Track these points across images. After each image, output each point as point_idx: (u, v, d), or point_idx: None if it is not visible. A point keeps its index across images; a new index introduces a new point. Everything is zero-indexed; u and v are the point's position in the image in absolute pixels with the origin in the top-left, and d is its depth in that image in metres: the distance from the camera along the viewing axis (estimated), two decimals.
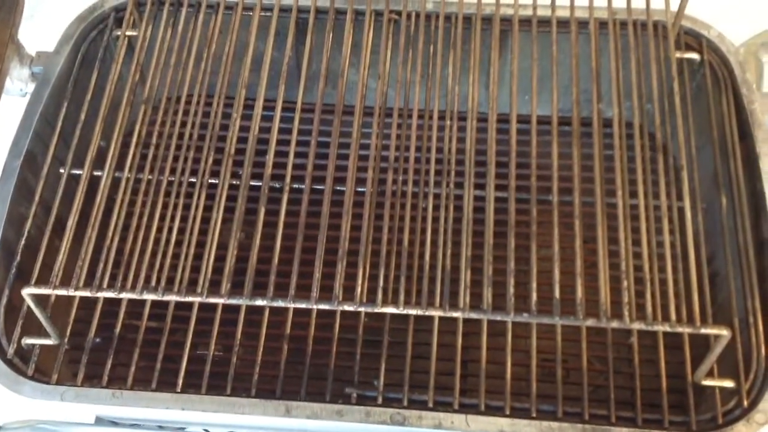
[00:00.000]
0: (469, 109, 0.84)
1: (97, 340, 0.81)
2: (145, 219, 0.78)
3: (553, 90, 0.82)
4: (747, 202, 0.83)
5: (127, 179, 0.80)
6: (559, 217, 0.75)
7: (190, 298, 0.70)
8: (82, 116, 0.90)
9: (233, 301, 0.70)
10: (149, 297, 0.70)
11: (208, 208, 0.79)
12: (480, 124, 0.83)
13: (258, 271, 0.73)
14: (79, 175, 0.81)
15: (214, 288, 0.71)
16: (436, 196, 0.81)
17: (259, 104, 0.84)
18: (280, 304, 0.70)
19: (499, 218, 0.76)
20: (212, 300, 0.70)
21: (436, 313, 0.70)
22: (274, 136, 0.81)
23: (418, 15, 0.91)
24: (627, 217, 0.76)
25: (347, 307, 0.69)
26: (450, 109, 0.86)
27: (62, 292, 0.70)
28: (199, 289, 0.71)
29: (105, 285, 0.71)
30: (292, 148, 0.81)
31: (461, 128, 0.85)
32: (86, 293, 0.70)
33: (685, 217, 0.77)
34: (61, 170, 0.88)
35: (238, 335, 0.82)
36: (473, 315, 0.69)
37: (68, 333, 0.81)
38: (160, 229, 0.78)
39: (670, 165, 0.84)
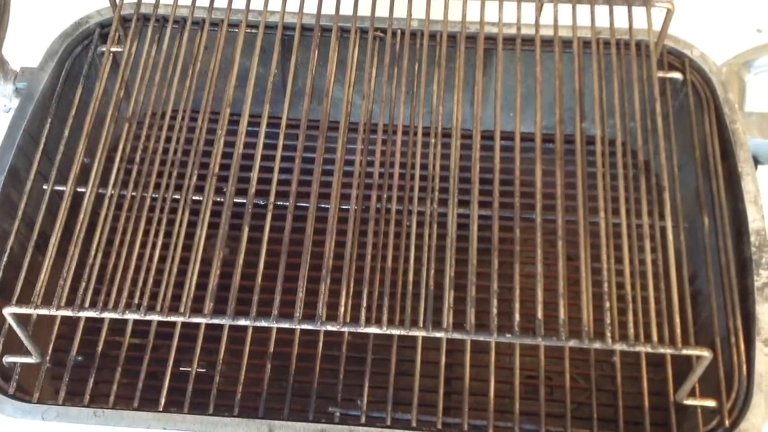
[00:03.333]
0: (453, 127, 0.84)
1: (80, 357, 0.81)
2: (128, 236, 0.78)
3: (537, 109, 0.82)
4: (729, 222, 0.84)
5: (111, 196, 0.79)
6: (543, 236, 0.76)
7: (172, 318, 0.70)
8: (66, 132, 0.90)
9: (216, 321, 0.70)
10: (132, 317, 0.70)
11: (192, 224, 0.79)
12: (464, 140, 0.84)
13: (242, 288, 0.73)
14: (63, 192, 0.81)
15: (197, 307, 0.71)
16: (420, 214, 0.81)
17: (244, 121, 0.84)
18: (263, 324, 0.70)
19: (482, 236, 0.76)
20: (195, 320, 0.70)
21: (420, 334, 0.70)
22: (259, 153, 0.81)
23: (403, 33, 0.92)
24: (609, 237, 0.77)
25: (330, 327, 0.69)
26: (434, 127, 0.86)
27: (44, 311, 0.69)
28: (182, 308, 0.71)
29: (87, 304, 0.71)
30: (277, 165, 0.81)
31: (445, 145, 0.85)
32: (68, 312, 0.70)
33: (667, 237, 0.78)
34: (45, 186, 0.87)
35: (221, 353, 0.82)
36: (456, 335, 0.69)
37: (50, 350, 0.81)
38: (143, 246, 0.78)
39: (653, 184, 0.84)
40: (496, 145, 0.81)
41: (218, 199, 0.81)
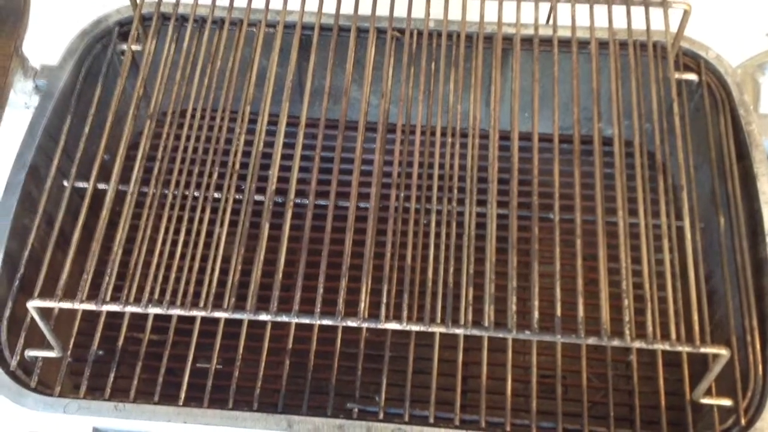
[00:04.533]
0: (470, 127, 0.85)
1: (100, 352, 0.81)
2: (149, 232, 0.79)
3: (555, 109, 0.83)
4: (745, 222, 0.84)
5: (132, 193, 0.80)
6: (560, 235, 0.76)
7: (194, 312, 0.71)
8: (86, 130, 0.90)
9: (237, 316, 0.70)
10: (154, 311, 0.71)
11: (212, 222, 0.80)
12: (481, 140, 0.84)
13: (262, 285, 0.73)
14: (82, 189, 0.81)
15: (217, 302, 0.72)
16: (438, 213, 0.82)
17: (263, 119, 0.85)
18: (283, 319, 0.71)
19: (500, 235, 0.76)
20: (216, 314, 0.71)
21: (439, 330, 0.70)
22: (278, 151, 0.82)
23: (420, 33, 0.92)
24: (627, 236, 0.77)
25: (350, 323, 0.70)
26: (452, 126, 0.87)
27: (67, 305, 0.70)
28: (202, 303, 0.72)
29: (109, 298, 0.71)
30: (296, 164, 0.81)
31: (463, 145, 0.86)
32: (91, 306, 0.70)
33: (684, 237, 0.78)
34: (65, 183, 0.88)
35: (240, 349, 0.82)
36: (475, 332, 0.70)
37: (71, 345, 0.81)
38: (163, 243, 0.79)
39: (669, 184, 0.85)
40: (514, 145, 0.82)
41: (238, 197, 0.82)
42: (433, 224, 0.80)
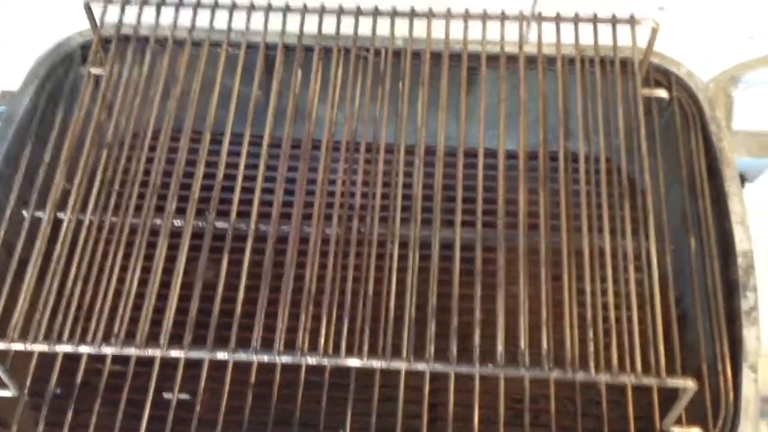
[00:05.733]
0: (437, 148, 0.83)
1: (58, 390, 0.80)
2: (108, 262, 0.77)
3: (521, 129, 0.82)
4: (716, 243, 0.83)
5: (90, 222, 0.79)
6: (527, 257, 0.75)
7: (150, 352, 0.69)
8: (46, 157, 0.89)
9: (194, 355, 0.69)
10: (108, 351, 0.69)
11: (173, 247, 0.78)
12: (448, 158, 0.83)
13: (223, 313, 0.72)
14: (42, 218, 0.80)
15: (178, 332, 0.70)
16: (403, 236, 0.80)
17: (225, 143, 0.83)
18: (242, 357, 0.69)
19: (465, 256, 0.75)
20: (173, 353, 0.69)
21: (401, 365, 0.69)
22: (240, 175, 0.81)
23: (386, 51, 0.91)
24: (595, 259, 0.76)
25: (310, 360, 0.69)
26: (418, 146, 0.86)
27: (19, 347, 0.69)
28: (161, 340, 0.70)
29: (65, 337, 0.70)
30: (258, 188, 0.80)
31: (429, 163, 0.84)
32: (43, 347, 0.69)
33: (651, 259, 0.77)
34: (24, 212, 0.86)
35: (203, 381, 0.81)
36: (439, 367, 0.69)
37: (29, 381, 0.80)
38: (123, 272, 0.77)
39: (638, 204, 0.83)
40: (479, 168, 0.81)
41: (200, 224, 0.80)
42: (396, 253, 0.78)
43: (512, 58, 0.89)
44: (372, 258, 0.78)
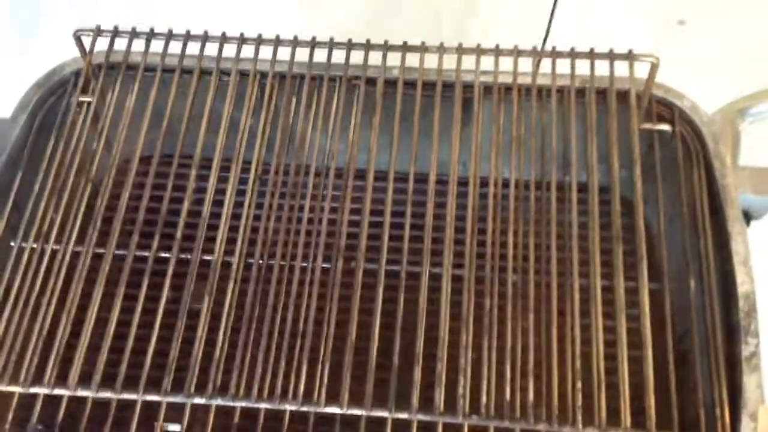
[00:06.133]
0: (430, 181, 0.82)
1: (39, 427, 0.78)
2: (91, 300, 0.75)
3: (512, 169, 0.80)
4: (717, 284, 0.80)
5: (72, 254, 0.77)
6: (514, 306, 0.73)
7: (125, 395, 0.68)
8: (36, 187, 0.87)
9: (171, 399, 0.67)
10: (86, 394, 0.68)
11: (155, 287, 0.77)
12: (439, 186, 0.81)
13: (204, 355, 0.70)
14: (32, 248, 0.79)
15: (154, 380, 0.69)
16: (393, 276, 0.78)
17: (214, 178, 0.82)
18: (219, 402, 0.67)
19: (454, 306, 0.73)
20: (149, 398, 0.67)
21: (382, 414, 0.67)
22: (227, 213, 0.79)
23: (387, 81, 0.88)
24: (591, 300, 0.74)
25: (289, 407, 0.67)
26: (411, 176, 0.83)
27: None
28: (140, 385, 0.69)
29: (50, 378, 0.68)
30: (243, 225, 0.79)
31: (419, 191, 0.82)
32: (16, 388, 0.67)
33: (644, 303, 0.74)
34: (12, 243, 0.85)
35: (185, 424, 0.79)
36: (422, 417, 0.67)
37: (10, 418, 0.78)
38: (104, 311, 0.75)
39: (639, 242, 0.81)
40: (469, 208, 0.79)
41: (184, 257, 0.79)
42: (380, 294, 0.76)
43: (510, 89, 0.87)
44: (357, 295, 0.76)
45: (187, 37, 0.87)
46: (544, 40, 1.35)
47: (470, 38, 0.88)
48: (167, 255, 0.78)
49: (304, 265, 0.77)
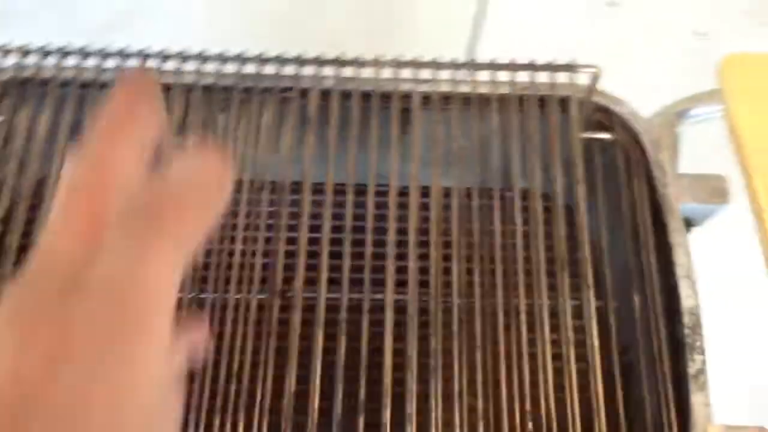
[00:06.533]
0: (367, 201, 0.78)
1: None
2: None
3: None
4: (660, 299, 0.79)
5: None
6: (460, 340, 0.71)
7: None
8: None
9: None
10: None
11: None
12: (378, 198, 0.79)
13: None
14: None
15: None
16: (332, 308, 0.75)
17: None
18: None
19: (398, 337, 0.70)
20: None
21: None
22: None
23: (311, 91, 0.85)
24: (537, 321, 0.72)
25: None
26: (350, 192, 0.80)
27: None
28: None
29: None
30: None
31: (359, 204, 0.79)
32: None
33: (585, 318, 0.73)
34: None
35: None
36: None
37: None
38: None
39: (578, 258, 0.79)
40: (410, 220, 0.76)
41: None
42: (321, 330, 0.72)
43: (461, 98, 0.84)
44: (296, 334, 0.73)
45: (105, 54, 0.81)
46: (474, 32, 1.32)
47: (394, 51, 0.85)
48: None
49: (238, 297, 0.73)
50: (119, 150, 0.32)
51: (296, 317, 0.72)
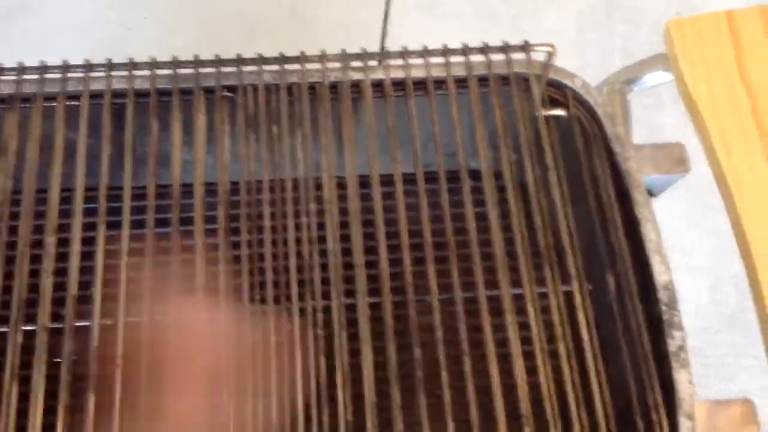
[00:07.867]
0: (326, 200, 0.75)
1: None
2: None
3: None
4: (633, 276, 0.77)
5: None
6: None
7: None
8: None
9: None
10: None
11: None
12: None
13: None
14: None
15: None
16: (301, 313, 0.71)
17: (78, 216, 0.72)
18: None
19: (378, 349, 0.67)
20: None
21: None
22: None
23: (256, 88, 0.80)
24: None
25: None
26: (305, 195, 0.76)
27: None
28: None
29: None
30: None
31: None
32: None
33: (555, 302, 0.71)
34: None
35: None
36: None
37: None
38: None
39: (547, 242, 0.77)
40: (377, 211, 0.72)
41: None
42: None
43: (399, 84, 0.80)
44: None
45: (22, 70, 0.75)
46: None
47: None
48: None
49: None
50: None
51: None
